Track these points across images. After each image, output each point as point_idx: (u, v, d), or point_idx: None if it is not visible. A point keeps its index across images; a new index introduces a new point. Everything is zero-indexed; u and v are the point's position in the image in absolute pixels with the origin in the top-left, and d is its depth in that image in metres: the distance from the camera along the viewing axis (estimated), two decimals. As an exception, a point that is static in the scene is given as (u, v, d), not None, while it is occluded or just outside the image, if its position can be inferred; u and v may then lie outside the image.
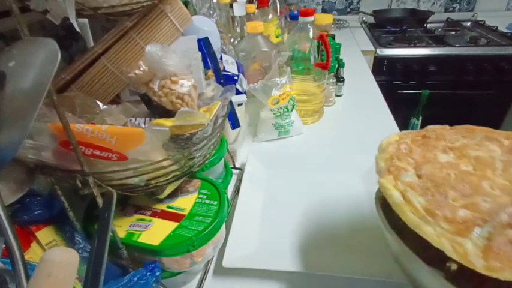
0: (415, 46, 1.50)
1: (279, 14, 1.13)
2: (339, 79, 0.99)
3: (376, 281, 0.44)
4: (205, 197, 0.46)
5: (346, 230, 0.53)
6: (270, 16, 1.06)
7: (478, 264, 0.30)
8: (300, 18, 0.79)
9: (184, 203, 0.46)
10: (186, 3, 0.68)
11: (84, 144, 0.34)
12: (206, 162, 0.49)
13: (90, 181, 0.35)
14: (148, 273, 0.37)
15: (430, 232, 0.33)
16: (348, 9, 2.03)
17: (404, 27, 1.71)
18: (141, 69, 0.42)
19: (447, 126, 0.47)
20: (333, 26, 1.65)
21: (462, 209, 0.33)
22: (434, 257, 0.32)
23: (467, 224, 0.32)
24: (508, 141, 0.43)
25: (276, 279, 0.47)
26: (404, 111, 1.51)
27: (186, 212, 0.44)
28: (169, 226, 0.42)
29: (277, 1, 1.14)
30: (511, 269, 0.29)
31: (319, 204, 0.59)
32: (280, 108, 0.75)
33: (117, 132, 0.34)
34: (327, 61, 0.77)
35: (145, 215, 0.44)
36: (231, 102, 0.56)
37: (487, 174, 0.38)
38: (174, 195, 0.47)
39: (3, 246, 0.25)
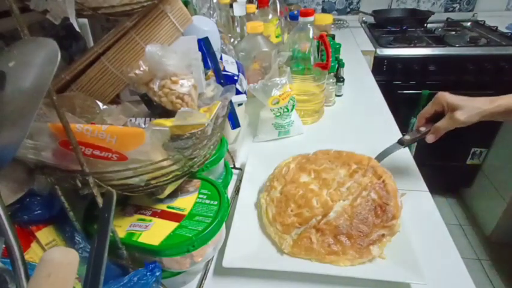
0: (415, 46, 1.49)
1: (279, 14, 1.13)
2: (339, 79, 0.99)
3: (376, 281, 0.44)
4: (205, 197, 0.46)
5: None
6: (270, 16, 1.06)
7: (286, 251, 0.48)
8: (300, 18, 0.79)
9: (184, 203, 0.46)
10: (186, 3, 0.68)
11: (84, 144, 0.34)
12: (206, 162, 0.49)
13: (90, 181, 0.35)
14: (148, 273, 0.37)
15: (271, 231, 0.51)
16: (348, 9, 2.03)
17: (404, 27, 1.71)
18: (141, 69, 0.42)
19: (330, 151, 0.63)
20: (333, 26, 1.65)
21: (293, 216, 0.51)
22: None
23: (290, 226, 0.50)
24: (356, 166, 0.56)
25: (276, 279, 0.47)
26: (404, 111, 1.50)
27: (186, 212, 0.44)
28: (169, 226, 0.42)
29: (277, 1, 1.14)
30: (305, 254, 0.47)
31: (319, 204, 0.60)
32: (280, 108, 0.75)
33: (117, 132, 0.34)
34: (327, 61, 0.77)
35: (145, 215, 0.44)
36: (231, 102, 0.56)
37: (322, 192, 0.53)
38: (174, 195, 0.47)
39: (3, 246, 0.25)
